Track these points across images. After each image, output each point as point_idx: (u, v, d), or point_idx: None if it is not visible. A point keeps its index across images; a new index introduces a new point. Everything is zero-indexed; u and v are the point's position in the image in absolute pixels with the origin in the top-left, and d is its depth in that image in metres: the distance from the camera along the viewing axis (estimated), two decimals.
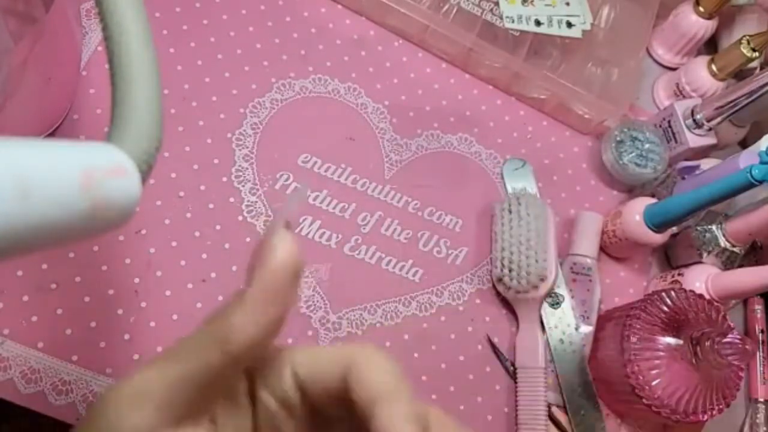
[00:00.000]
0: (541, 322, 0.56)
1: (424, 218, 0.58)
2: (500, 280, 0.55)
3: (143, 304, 0.49)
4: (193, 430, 0.21)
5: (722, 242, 0.58)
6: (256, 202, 0.54)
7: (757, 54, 0.61)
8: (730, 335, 0.47)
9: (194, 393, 0.21)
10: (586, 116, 0.63)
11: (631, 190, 0.64)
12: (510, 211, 0.56)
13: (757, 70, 0.68)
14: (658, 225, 0.55)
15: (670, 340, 0.50)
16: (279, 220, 0.21)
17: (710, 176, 0.56)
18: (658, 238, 0.56)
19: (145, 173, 0.24)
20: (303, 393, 0.22)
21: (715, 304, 0.51)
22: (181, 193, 0.52)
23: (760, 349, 0.62)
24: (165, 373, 0.21)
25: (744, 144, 0.68)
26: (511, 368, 0.55)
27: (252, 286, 0.21)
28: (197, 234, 0.52)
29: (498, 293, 0.56)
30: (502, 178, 0.61)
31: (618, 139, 0.62)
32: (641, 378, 0.49)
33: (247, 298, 0.21)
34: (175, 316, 0.49)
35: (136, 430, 0.20)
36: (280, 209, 0.20)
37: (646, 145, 0.62)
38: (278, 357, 0.22)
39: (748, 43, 0.61)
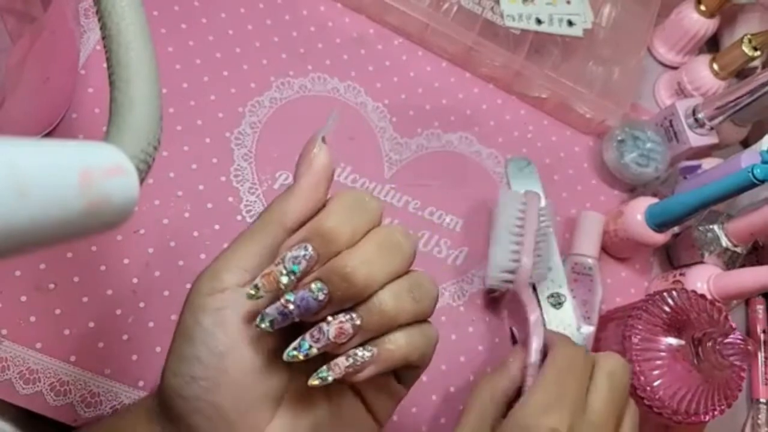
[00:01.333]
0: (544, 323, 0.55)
1: (424, 218, 0.58)
2: (497, 278, 0.54)
3: (142, 305, 0.48)
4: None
5: (724, 242, 0.58)
6: (255, 201, 0.54)
7: (758, 53, 0.60)
8: (731, 336, 0.47)
9: (262, 260, 0.28)
10: (587, 115, 0.63)
11: (633, 189, 0.64)
12: (511, 207, 0.55)
13: (759, 69, 0.68)
14: (659, 225, 0.55)
15: (672, 340, 0.49)
16: (318, 136, 0.29)
17: (712, 176, 0.56)
18: (660, 238, 0.56)
19: (144, 172, 0.24)
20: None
21: (717, 304, 0.51)
22: (180, 193, 0.52)
23: (762, 350, 0.62)
24: (244, 247, 0.29)
25: (746, 143, 0.68)
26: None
27: (300, 181, 0.28)
28: (196, 234, 0.51)
29: (497, 293, 0.56)
30: (507, 177, 0.61)
31: (619, 138, 0.62)
32: (642, 379, 0.49)
33: (298, 188, 0.28)
34: (173, 317, 0.49)
35: (228, 285, 0.28)
36: (319, 129, 0.30)
37: (648, 145, 0.61)
38: None
39: (750, 41, 0.60)
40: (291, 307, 0.26)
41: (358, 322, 0.26)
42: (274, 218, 0.28)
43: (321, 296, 0.26)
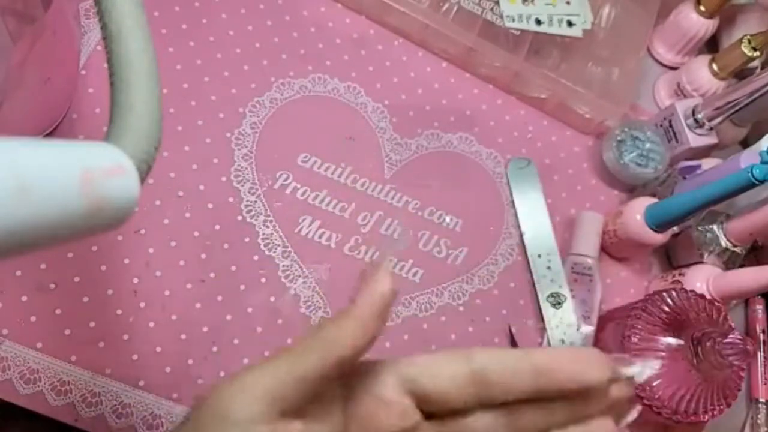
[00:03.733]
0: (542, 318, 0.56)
1: (424, 218, 0.58)
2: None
3: (142, 305, 0.49)
4: (284, 428, 0.24)
5: (723, 242, 0.58)
6: (255, 201, 0.54)
7: (758, 53, 0.60)
8: (731, 335, 0.47)
9: (299, 392, 0.24)
10: (587, 116, 0.63)
11: (632, 189, 0.64)
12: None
13: (758, 70, 0.68)
14: (659, 225, 0.55)
15: (671, 340, 0.49)
16: (386, 258, 0.29)
17: (711, 176, 0.56)
18: (659, 238, 0.56)
19: (144, 173, 0.24)
20: (417, 398, 0.26)
21: (716, 304, 0.51)
22: (180, 193, 0.52)
23: (761, 349, 0.62)
24: (276, 372, 0.24)
25: (745, 143, 0.68)
26: None
27: (361, 306, 0.25)
28: (196, 234, 0.52)
29: (502, 286, 0.56)
30: (507, 177, 0.61)
31: (619, 138, 0.62)
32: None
33: (358, 313, 0.25)
34: (174, 317, 0.49)
35: (240, 419, 0.23)
36: (388, 247, 0.28)
37: (647, 145, 0.62)
38: (374, 367, 0.27)
39: (749, 42, 0.60)
40: None
41: None
42: (326, 342, 0.25)
43: None
